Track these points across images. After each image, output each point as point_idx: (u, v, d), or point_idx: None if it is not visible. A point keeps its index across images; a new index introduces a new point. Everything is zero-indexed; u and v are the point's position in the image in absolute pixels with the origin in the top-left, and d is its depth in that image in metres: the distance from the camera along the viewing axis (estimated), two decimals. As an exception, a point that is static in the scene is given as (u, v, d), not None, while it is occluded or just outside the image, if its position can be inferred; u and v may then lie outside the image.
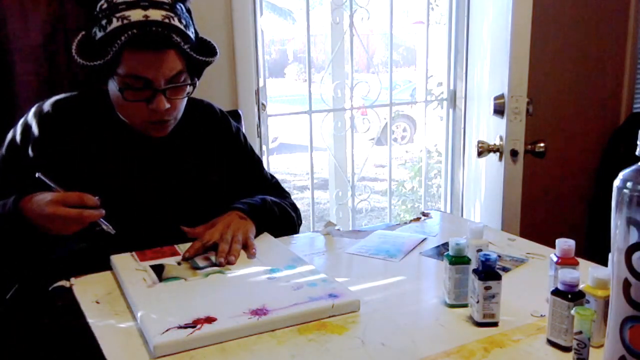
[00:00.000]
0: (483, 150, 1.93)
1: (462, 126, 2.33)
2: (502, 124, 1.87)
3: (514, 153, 1.86)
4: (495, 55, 1.96)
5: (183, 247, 1.23)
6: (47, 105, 1.27)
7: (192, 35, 1.21)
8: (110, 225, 1.13)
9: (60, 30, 1.53)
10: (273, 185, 1.50)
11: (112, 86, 1.19)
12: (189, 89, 1.23)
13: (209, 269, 1.14)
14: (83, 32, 1.19)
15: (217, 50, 1.27)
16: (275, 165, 6.71)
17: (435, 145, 3.45)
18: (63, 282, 1.12)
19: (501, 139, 1.88)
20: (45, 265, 1.23)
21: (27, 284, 1.24)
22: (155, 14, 1.13)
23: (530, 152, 1.89)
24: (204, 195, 1.34)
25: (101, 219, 1.12)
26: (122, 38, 1.10)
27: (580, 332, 0.80)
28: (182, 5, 1.19)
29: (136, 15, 1.12)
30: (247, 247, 1.22)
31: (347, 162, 2.34)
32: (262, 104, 1.94)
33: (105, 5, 1.15)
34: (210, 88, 1.84)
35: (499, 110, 1.88)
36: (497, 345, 0.89)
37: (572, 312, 0.81)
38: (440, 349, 0.87)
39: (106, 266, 1.18)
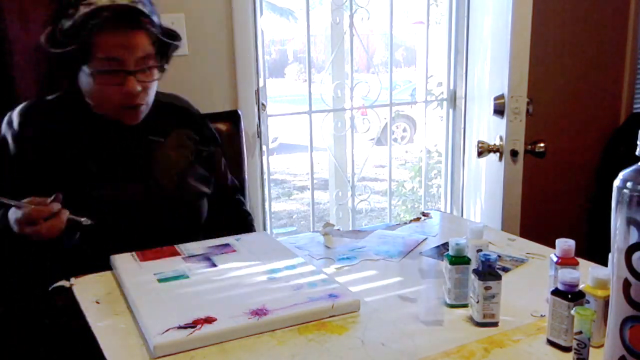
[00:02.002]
0: (483, 150, 1.93)
1: (462, 126, 2.32)
2: (502, 124, 1.87)
3: (514, 153, 1.86)
4: (495, 55, 1.96)
5: (183, 247, 1.24)
6: (20, 108, 1.29)
7: (157, 22, 1.26)
8: (85, 217, 1.15)
9: (60, 30, 1.53)
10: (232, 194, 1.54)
11: (84, 77, 1.23)
12: (157, 73, 1.28)
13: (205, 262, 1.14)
14: (50, 28, 1.22)
15: (180, 36, 1.32)
16: (275, 165, 6.71)
17: (435, 145, 3.45)
18: (63, 282, 1.12)
19: (501, 139, 1.88)
20: (47, 264, 1.22)
21: (27, 284, 1.24)
22: None
23: (530, 152, 1.89)
24: (186, 193, 1.35)
25: (72, 216, 1.13)
26: (92, 22, 1.15)
27: (580, 332, 0.80)
28: None
29: (102, 0, 1.17)
30: None
31: (347, 162, 2.34)
32: (262, 104, 1.94)
33: None
34: (210, 88, 1.84)
35: (499, 110, 1.88)
36: (497, 345, 0.89)
37: (572, 312, 0.81)
38: (440, 349, 0.87)
39: (106, 266, 1.18)
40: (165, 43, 1.27)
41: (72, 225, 1.14)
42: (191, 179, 1.36)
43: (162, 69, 1.29)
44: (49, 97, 1.33)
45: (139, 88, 1.22)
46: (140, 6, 1.20)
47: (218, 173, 1.47)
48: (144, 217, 1.27)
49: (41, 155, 1.23)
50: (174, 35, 1.31)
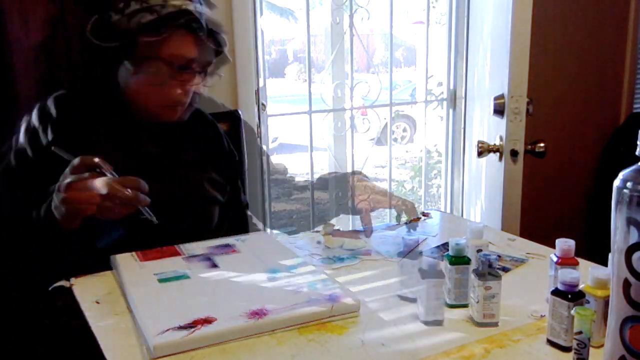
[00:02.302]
0: (483, 150, 1.93)
1: (462, 126, 2.32)
2: (502, 124, 1.87)
3: (514, 153, 1.86)
4: (495, 55, 1.95)
5: (184, 248, 1.24)
6: (55, 96, 1.27)
7: (205, 24, 1.23)
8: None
9: (60, 30, 1.53)
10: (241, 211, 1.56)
11: (124, 72, 1.22)
12: (199, 77, 1.26)
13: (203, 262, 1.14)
14: (96, 17, 1.21)
15: (226, 42, 1.30)
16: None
17: (435, 145, 3.45)
18: (63, 282, 1.12)
19: (501, 139, 1.88)
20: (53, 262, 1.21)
21: (27, 284, 1.24)
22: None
23: (530, 152, 1.89)
24: (203, 200, 1.36)
25: (146, 207, 1.11)
26: (142, 21, 1.13)
27: (580, 332, 0.80)
28: None
29: None
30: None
31: (347, 162, 2.34)
32: (262, 104, 1.94)
33: None
34: (210, 88, 1.83)
35: (499, 110, 1.88)
36: (497, 345, 0.89)
37: (572, 312, 0.81)
38: (440, 349, 0.87)
39: (106, 266, 1.18)
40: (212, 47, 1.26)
41: (131, 218, 1.11)
42: (206, 184, 1.37)
43: (205, 73, 1.28)
44: (78, 91, 1.32)
45: (179, 90, 1.22)
46: (193, 7, 1.18)
47: (232, 186, 1.49)
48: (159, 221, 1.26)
49: (73, 144, 1.21)
50: (219, 42, 1.29)
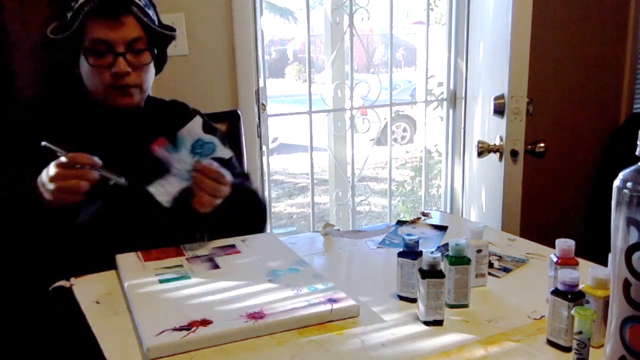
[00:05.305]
0: (483, 150, 1.93)
1: (462, 126, 2.32)
2: (502, 124, 1.87)
3: (514, 153, 1.86)
4: (495, 55, 1.95)
5: (188, 247, 1.24)
6: (19, 104, 1.37)
7: (153, 16, 1.34)
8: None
9: (60, 31, 1.53)
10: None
11: (83, 62, 1.29)
12: (149, 57, 1.32)
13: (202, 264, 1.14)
14: (57, 22, 1.31)
15: (176, 28, 1.40)
16: (275, 165, 6.71)
17: (435, 146, 3.44)
18: (63, 282, 1.12)
19: (501, 139, 1.88)
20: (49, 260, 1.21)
21: (27, 284, 1.24)
22: None
23: (530, 152, 1.88)
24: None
25: (108, 172, 1.14)
26: (86, 8, 1.24)
27: (580, 332, 0.80)
28: None
29: None
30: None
31: (347, 162, 2.34)
32: (262, 104, 1.94)
33: None
34: (210, 88, 1.84)
35: (499, 111, 1.88)
36: (497, 346, 0.89)
37: (572, 312, 0.81)
38: (440, 350, 0.87)
39: (106, 266, 1.18)
40: (159, 32, 1.33)
41: (96, 192, 1.13)
42: None
43: (153, 54, 1.33)
44: (47, 94, 1.38)
45: (128, 69, 1.27)
46: None
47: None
48: (140, 216, 1.26)
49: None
50: (169, 27, 1.37)
